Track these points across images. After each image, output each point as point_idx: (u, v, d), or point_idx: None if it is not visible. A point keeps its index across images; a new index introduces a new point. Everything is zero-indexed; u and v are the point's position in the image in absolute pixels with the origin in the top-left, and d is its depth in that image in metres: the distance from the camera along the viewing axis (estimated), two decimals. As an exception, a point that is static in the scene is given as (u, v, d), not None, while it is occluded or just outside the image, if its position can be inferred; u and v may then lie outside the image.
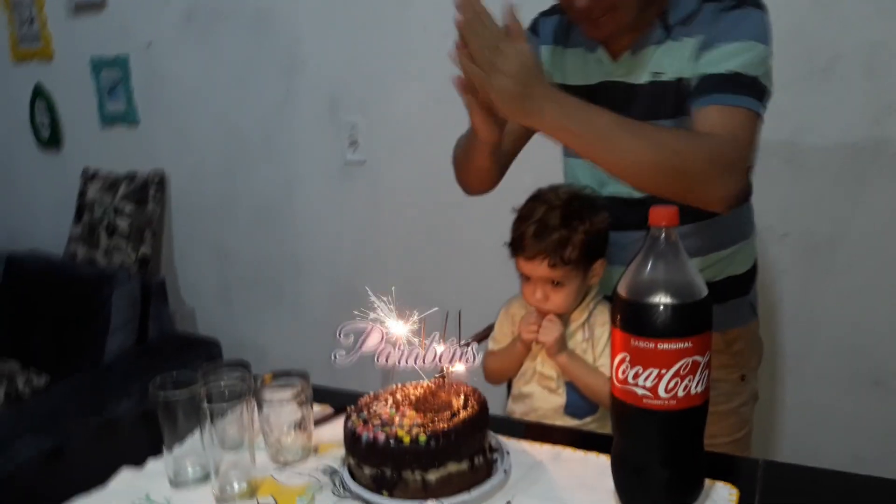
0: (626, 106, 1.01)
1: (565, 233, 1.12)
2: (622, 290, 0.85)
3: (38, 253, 2.86)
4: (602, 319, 1.18)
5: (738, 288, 1.31)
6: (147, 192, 2.68)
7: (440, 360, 0.96)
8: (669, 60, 1.13)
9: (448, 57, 1.01)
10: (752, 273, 1.34)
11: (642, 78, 1.16)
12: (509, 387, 1.32)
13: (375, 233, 2.40)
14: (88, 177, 2.84)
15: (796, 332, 1.88)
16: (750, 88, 1.05)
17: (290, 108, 2.44)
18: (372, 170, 2.35)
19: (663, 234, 0.84)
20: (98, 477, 1.00)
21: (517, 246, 1.15)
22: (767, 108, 1.09)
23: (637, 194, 1.16)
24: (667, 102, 1.13)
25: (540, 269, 1.13)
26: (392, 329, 0.95)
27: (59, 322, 2.54)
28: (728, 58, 1.06)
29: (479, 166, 1.21)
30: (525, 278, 1.17)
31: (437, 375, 0.98)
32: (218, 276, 2.76)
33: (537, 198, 1.18)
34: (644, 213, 0.84)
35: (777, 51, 1.11)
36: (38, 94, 2.94)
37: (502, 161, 1.26)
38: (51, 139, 2.98)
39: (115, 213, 2.69)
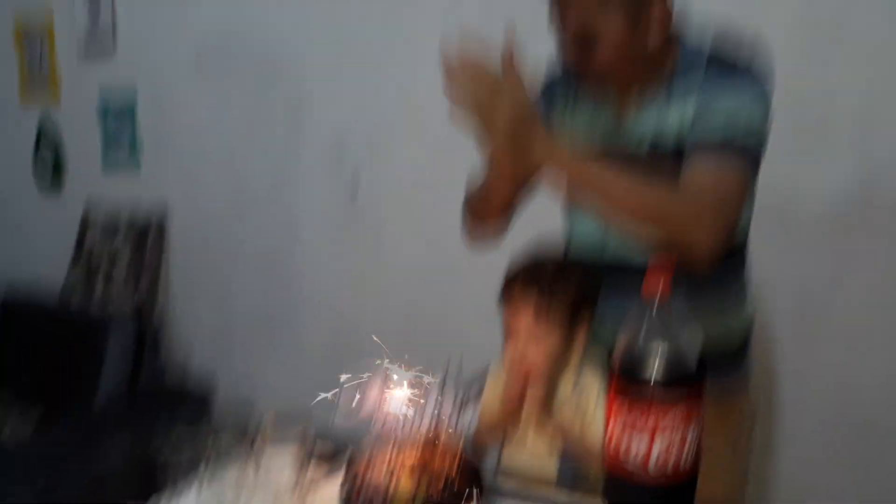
0: (628, 165, 1.06)
1: (555, 288, 1.14)
2: (617, 358, 0.87)
3: (35, 296, 2.85)
4: (590, 387, 1.19)
5: (733, 358, 1.32)
6: (147, 237, 2.70)
7: (437, 421, 0.97)
8: (670, 124, 1.18)
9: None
10: (746, 343, 1.36)
11: (645, 140, 1.21)
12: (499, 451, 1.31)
13: (377, 278, 2.40)
14: (89, 220, 2.86)
15: (787, 393, 1.89)
16: (741, 149, 1.10)
17: (295, 153, 2.47)
18: (374, 215, 2.37)
19: (657, 303, 0.86)
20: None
21: (505, 296, 1.17)
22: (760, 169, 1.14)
23: (637, 260, 1.18)
24: (667, 164, 1.16)
25: (525, 319, 1.14)
26: (393, 391, 0.97)
27: (52, 367, 2.51)
28: (724, 120, 1.11)
29: (498, 201, 1.23)
30: (508, 332, 1.18)
31: (432, 436, 0.99)
32: (216, 319, 2.75)
33: (533, 253, 1.21)
34: (643, 279, 0.87)
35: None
36: (44, 135, 2.98)
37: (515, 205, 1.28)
38: (53, 182, 3.00)
39: (114, 258, 2.70)
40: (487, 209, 1.28)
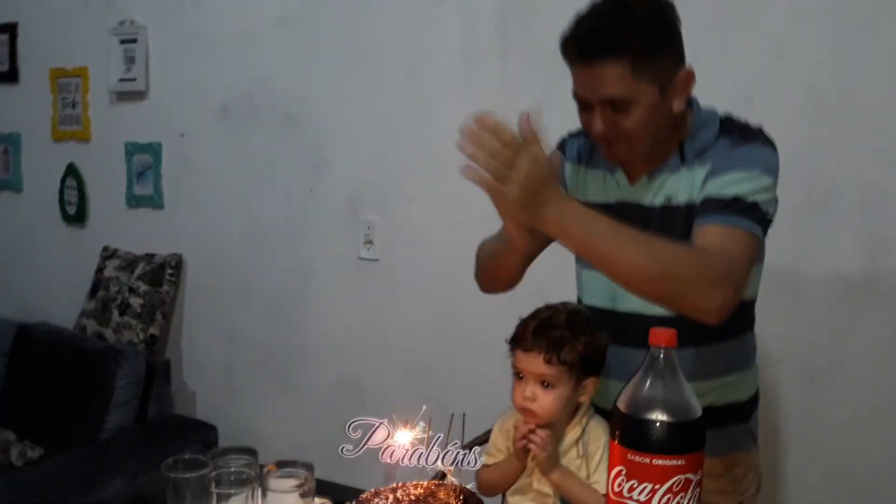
0: (640, 226, 1.08)
1: (567, 334, 1.16)
2: (621, 405, 0.89)
3: (49, 325, 2.90)
4: (596, 435, 1.19)
5: (739, 414, 1.34)
6: (163, 273, 2.75)
7: (442, 462, 0.99)
8: (681, 187, 1.21)
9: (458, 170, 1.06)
10: (753, 401, 1.37)
11: (656, 201, 1.24)
12: (503, 497, 1.32)
13: (384, 328, 2.44)
14: (108, 254, 2.92)
15: (794, 459, 1.89)
16: (749, 212, 1.12)
17: (311, 203, 2.54)
18: (384, 268, 2.42)
19: (662, 355, 0.88)
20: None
21: (517, 338, 1.19)
22: (768, 234, 1.17)
23: (645, 312, 1.20)
24: (677, 226, 1.19)
25: (535, 363, 1.15)
26: (398, 434, 0.99)
27: (62, 394, 2.54)
28: (732, 184, 1.14)
29: (507, 269, 1.27)
30: (517, 377, 1.19)
31: (437, 476, 1.01)
32: (223, 359, 2.79)
33: (545, 305, 1.23)
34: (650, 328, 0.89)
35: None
36: (71, 172, 3.07)
37: (528, 262, 1.31)
38: (76, 215, 3.08)
39: (130, 292, 2.75)
40: (497, 276, 1.31)
